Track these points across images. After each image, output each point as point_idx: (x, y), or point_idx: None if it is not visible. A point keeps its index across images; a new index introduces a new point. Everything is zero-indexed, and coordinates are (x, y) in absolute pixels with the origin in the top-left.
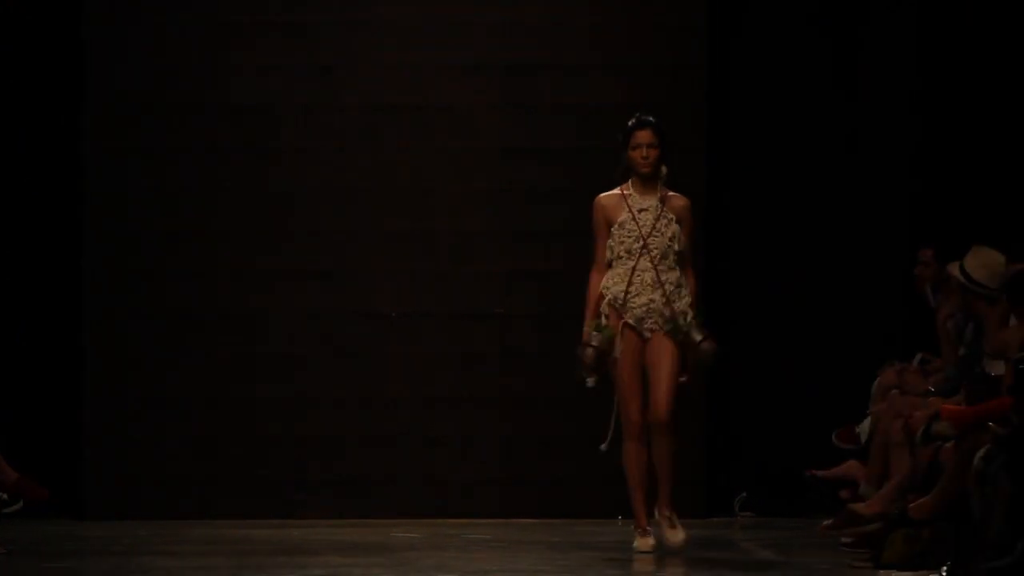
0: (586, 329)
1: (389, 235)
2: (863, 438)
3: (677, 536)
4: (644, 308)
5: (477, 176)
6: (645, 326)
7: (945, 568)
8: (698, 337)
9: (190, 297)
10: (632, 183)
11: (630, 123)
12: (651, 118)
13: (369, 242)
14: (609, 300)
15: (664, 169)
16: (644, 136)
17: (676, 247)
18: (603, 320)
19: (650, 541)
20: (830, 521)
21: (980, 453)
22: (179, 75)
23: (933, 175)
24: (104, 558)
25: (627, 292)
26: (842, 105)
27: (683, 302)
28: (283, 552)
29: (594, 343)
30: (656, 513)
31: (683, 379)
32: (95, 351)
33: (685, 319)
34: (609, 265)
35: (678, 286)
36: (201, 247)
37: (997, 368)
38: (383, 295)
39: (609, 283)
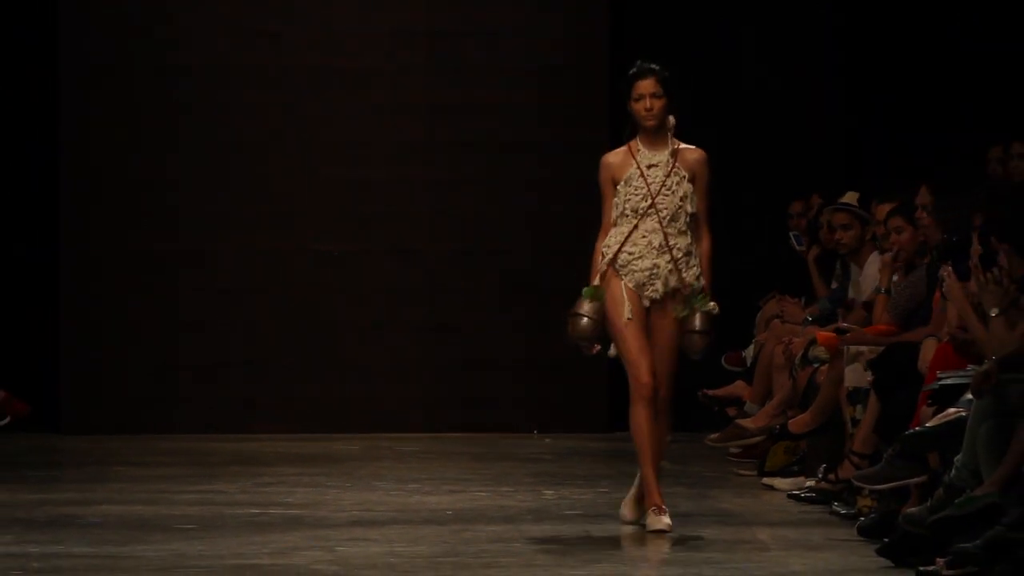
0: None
1: (329, 182)
2: (748, 361)
3: (662, 521)
4: (647, 273)
5: (405, 130)
6: (645, 292)
7: (821, 470)
8: (697, 325)
9: (153, 234)
10: (640, 138)
11: (631, 72)
12: (654, 65)
13: (312, 188)
14: (608, 260)
15: (672, 120)
16: (646, 86)
17: (688, 208)
18: (599, 281)
19: (666, 520)
20: (717, 435)
21: None
22: (143, 38)
23: (817, 131)
24: (79, 468)
25: (630, 253)
26: (743, 62)
27: (691, 272)
28: (239, 463)
29: (585, 312)
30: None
31: None
32: (70, 282)
33: (696, 297)
34: (614, 224)
35: (687, 254)
36: (164, 190)
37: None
38: (325, 235)
39: (611, 242)
